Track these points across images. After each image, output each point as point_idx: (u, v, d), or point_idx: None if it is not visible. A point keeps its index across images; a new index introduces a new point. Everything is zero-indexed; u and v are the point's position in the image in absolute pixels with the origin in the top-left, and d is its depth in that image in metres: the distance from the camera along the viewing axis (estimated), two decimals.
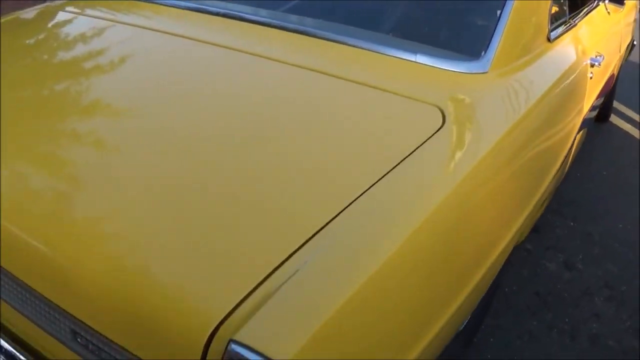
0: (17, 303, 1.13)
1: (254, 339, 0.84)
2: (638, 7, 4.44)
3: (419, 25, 1.95)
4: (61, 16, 2.12)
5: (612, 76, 3.57)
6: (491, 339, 2.25)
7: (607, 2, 3.25)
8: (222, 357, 0.85)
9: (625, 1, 3.63)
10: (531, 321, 2.38)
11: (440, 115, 1.43)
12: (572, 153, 2.42)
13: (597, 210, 3.26)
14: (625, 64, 4.48)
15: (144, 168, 1.21)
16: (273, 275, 0.93)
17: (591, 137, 3.86)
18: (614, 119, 4.73)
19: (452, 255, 1.23)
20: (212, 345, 0.87)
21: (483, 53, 1.72)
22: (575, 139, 2.39)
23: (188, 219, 1.06)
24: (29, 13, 2.18)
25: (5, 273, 1.12)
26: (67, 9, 2.15)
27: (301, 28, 1.81)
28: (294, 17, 1.92)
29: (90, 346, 1.02)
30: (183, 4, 2.05)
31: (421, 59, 1.65)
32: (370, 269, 0.99)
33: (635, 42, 4.53)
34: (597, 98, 2.93)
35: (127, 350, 0.96)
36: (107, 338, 0.98)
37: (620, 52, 3.73)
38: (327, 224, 1.04)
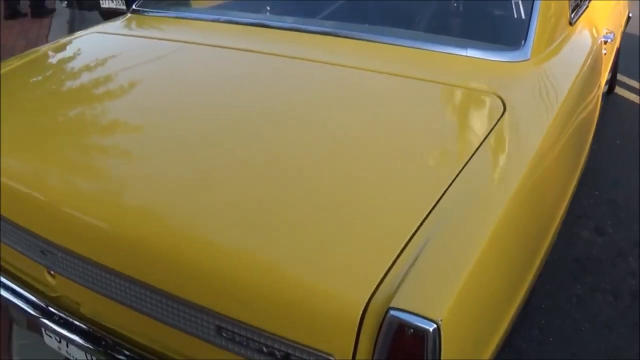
0: (160, 313, 1.29)
1: (411, 303, 1.01)
2: None
3: (458, 22, 2.13)
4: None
5: (617, 50, 3.77)
6: (543, 305, 2.44)
7: None
8: (381, 325, 1.02)
9: None
10: (575, 285, 2.57)
11: (501, 102, 1.62)
12: (597, 120, 2.61)
13: (617, 178, 3.46)
14: (624, 36, 4.67)
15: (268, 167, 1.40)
16: (406, 249, 1.11)
17: (601, 109, 4.05)
18: (617, 89, 4.93)
19: (533, 221, 1.43)
20: (367, 317, 1.04)
21: (523, 42, 1.90)
22: (600, 104, 2.58)
23: (322, 210, 1.24)
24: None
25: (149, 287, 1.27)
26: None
27: (355, 34, 1.99)
28: (345, 24, 2.10)
29: (237, 338, 1.17)
30: (241, 19, 2.22)
31: (471, 53, 1.84)
32: (485, 235, 1.17)
33: (630, 14, 4.72)
34: (609, 72, 3.13)
35: (281, 337, 1.11)
36: (258, 329, 1.13)
37: (622, 26, 3.93)
38: (437, 202, 1.22)
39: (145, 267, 1.25)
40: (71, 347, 1.63)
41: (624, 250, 2.82)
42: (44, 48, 2.38)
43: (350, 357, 1.05)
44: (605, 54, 2.77)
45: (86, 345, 1.49)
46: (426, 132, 1.52)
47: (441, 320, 0.98)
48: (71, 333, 1.53)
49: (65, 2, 5.78)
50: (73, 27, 5.91)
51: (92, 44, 2.28)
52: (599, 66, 2.55)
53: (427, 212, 1.20)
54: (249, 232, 1.22)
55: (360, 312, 1.04)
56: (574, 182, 1.91)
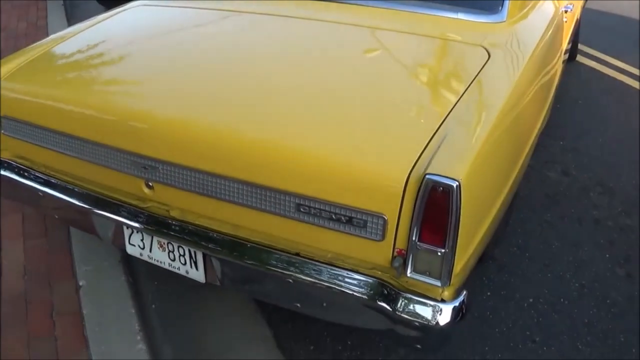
0: (252, 201, 1.77)
1: (441, 170, 1.53)
2: None
3: None
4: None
5: (577, 20, 4.35)
6: (519, 230, 3.01)
7: None
8: (420, 185, 1.54)
9: None
10: (546, 214, 3.15)
11: (486, 51, 2.16)
12: (560, 77, 3.19)
13: (579, 131, 4.06)
14: (585, 11, 5.29)
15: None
16: (434, 137, 1.64)
17: (564, 74, 4.65)
18: (579, 57, 5.56)
19: (517, 126, 2.03)
20: (409, 183, 1.56)
21: (500, 8, 2.45)
22: (562, 65, 3.15)
23: (375, 113, 1.80)
24: None
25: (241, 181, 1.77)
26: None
27: (369, 2, 2.54)
28: None
29: (312, 211, 1.69)
30: None
31: (461, 16, 2.38)
32: (486, 129, 1.72)
33: None
34: (570, 37, 3.70)
35: (346, 205, 1.62)
36: (329, 201, 1.65)
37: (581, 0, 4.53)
38: (452, 107, 1.77)
39: (239, 166, 1.75)
40: (154, 250, 2.13)
41: (587, 188, 3.40)
42: (102, 16, 2.83)
43: (397, 215, 1.58)
44: (565, 21, 3.34)
45: (177, 238, 1.98)
46: (438, 67, 2.09)
47: (461, 179, 1.52)
48: (160, 234, 2.03)
49: None
50: (66, 8, 6.30)
51: (146, 13, 2.78)
52: (560, 29, 3.12)
53: (447, 114, 1.75)
54: (320, 131, 1.75)
55: (405, 180, 1.56)
56: (545, 108, 2.50)
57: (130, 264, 2.69)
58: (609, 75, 5.23)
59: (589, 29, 6.06)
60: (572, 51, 5.26)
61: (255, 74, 2.10)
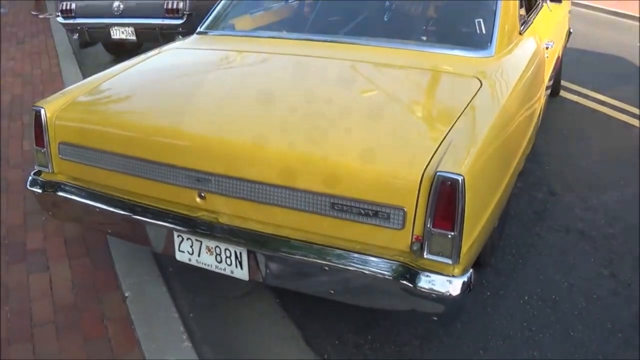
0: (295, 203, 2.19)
1: (449, 168, 1.97)
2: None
3: (449, 34, 3.19)
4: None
5: (558, 57, 4.91)
6: (512, 241, 3.45)
7: (548, 2, 4.58)
8: (432, 180, 1.98)
9: None
10: (535, 228, 3.60)
11: (478, 81, 2.64)
12: (543, 106, 3.69)
13: (564, 157, 4.56)
14: (567, 50, 5.87)
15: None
16: (443, 142, 2.09)
17: (550, 108, 5.18)
18: (563, 93, 6.13)
19: (508, 136, 2.49)
20: (423, 180, 2.00)
21: (489, 45, 2.95)
22: (544, 95, 3.66)
23: (396, 127, 2.30)
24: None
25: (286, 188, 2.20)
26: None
27: (375, 43, 3.02)
28: (365, 38, 3.13)
29: (345, 208, 2.13)
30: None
31: (457, 52, 2.88)
32: (483, 138, 2.18)
33: (571, 30, 5.96)
34: (551, 72, 4.23)
35: (373, 202, 2.06)
36: (358, 199, 2.09)
37: (562, 38, 5.10)
38: (455, 121, 2.23)
39: (283, 174, 2.20)
40: (202, 254, 2.54)
41: (572, 204, 3.87)
42: (139, 57, 3.30)
43: (414, 207, 2.03)
44: (547, 56, 3.86)
45: (225, 240, 2.40)
46: (441, 93, 2.59)
47: (465, 174, 1.97)
48: (210, 238, 2.44)
49: (77, 34, 6.67)
50: (76, 56, 6.82)
51: (180, 56, 3.27)
52: (542, 62, 3.63)
53: (450, 127, 2.20)
54: (352, 145, 2.20)
55: (420, 179, 2.01)
56: (531, 126, 2.98)
57: (168, 280, 3.09)
58: (590, 107, 5.78)
59: (572, 66, 6.65)
60: (555, 86, 5.81)
61: (287, 100, 2.58)
